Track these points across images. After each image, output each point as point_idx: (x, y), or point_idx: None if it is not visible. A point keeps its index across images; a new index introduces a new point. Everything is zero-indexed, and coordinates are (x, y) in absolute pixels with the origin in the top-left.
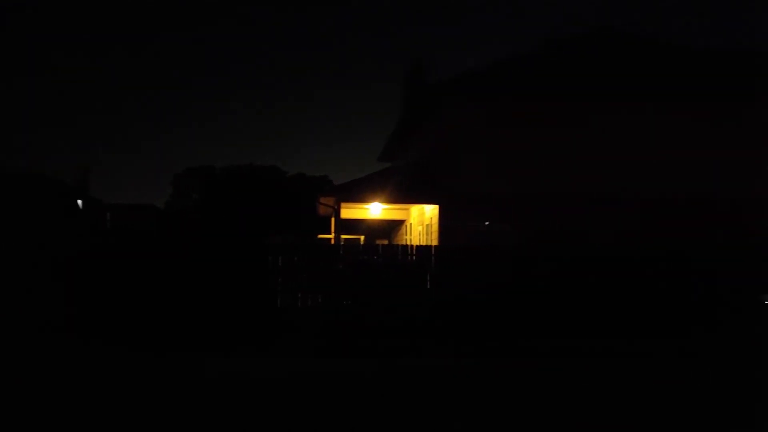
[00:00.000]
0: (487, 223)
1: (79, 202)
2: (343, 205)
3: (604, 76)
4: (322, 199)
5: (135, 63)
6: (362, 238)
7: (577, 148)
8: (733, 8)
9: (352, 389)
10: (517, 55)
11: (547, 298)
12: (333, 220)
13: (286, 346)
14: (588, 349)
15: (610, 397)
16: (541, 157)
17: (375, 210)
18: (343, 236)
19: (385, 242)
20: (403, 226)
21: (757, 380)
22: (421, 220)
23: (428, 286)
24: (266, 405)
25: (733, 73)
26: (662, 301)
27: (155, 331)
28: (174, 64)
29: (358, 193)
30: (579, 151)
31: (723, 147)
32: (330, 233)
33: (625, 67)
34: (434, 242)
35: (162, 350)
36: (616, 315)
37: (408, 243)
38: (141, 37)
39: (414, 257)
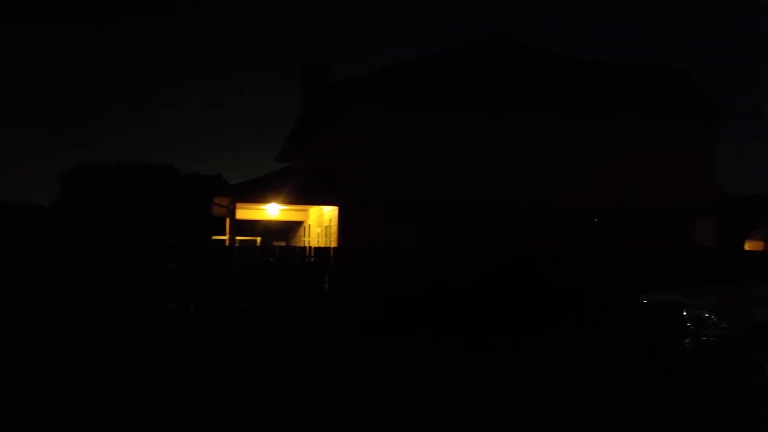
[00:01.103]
0: (387, 225)
1: None
2: (238, 205)
3: (499, 82)
4: (217, 200)
5: (18, 52)
6: (259, 239)
7: (472, 151)
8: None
9: (248, 397)
10: (415, 59)
11: (446, 298)
12: (228, 221)
13: (176, 350)
14: (495, 348)
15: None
16: (436, 161)
17: (272, 211)
18: (238, 238)
19: (283, 244)
20: (302, 228)
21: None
22: (320, 222)
23: (326, 288)
24: (156, 414)
25: (622, 84)
26: (548, 301)
27: (27, 340)
28: (65, 56)
29: (255, 193)
30: (473, 155)
31: (607, 153)
32: (225, 234)
33: (519, 75)
34: (333, 244)
35: (22, 362)
36: (509, 315)
37: (306, 245)
38: (28, 25)
39: (312, 259)
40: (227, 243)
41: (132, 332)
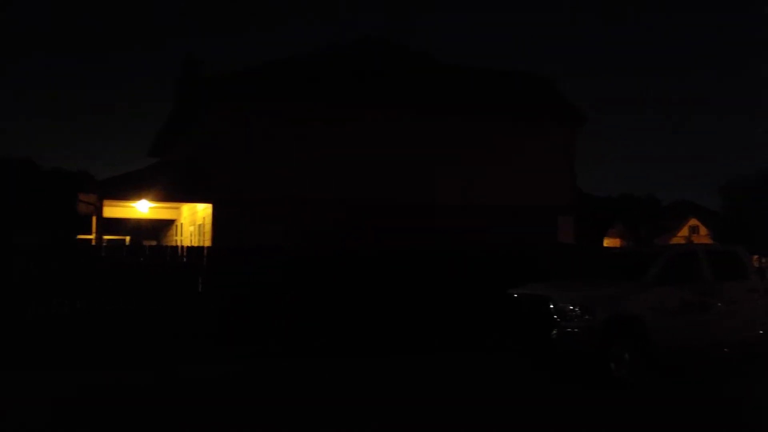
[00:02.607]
0: (262, 224)
1: None
2: (106, 202)
3: (372, 83)
4: (83, 197)
5: None
6: (128, 238)
7: (345, 151)
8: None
9: (123, 405)
10: (290, 57)
11: (319, 296)
12: (95, 218)
13: (34, 359)
14: (361, 348)
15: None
16: (311, 161)
17: (142, 208)
18: (106, 237)
19: (154, 243)
20: (174, 226)
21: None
22: (193, 220)
23: (200, 289)
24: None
25: (492, 89)
26: (420, 299)
27: None
28: None
29: (124, 189)
30: (346, 155)
31: (476, 156)
32: (91, 233)
33: (393, 77)
34: (207, 243)
35: None
36: (380, 316)
37: (179, 244)
38: None
39: (185, 259)
40: (94, 242)
41: None
